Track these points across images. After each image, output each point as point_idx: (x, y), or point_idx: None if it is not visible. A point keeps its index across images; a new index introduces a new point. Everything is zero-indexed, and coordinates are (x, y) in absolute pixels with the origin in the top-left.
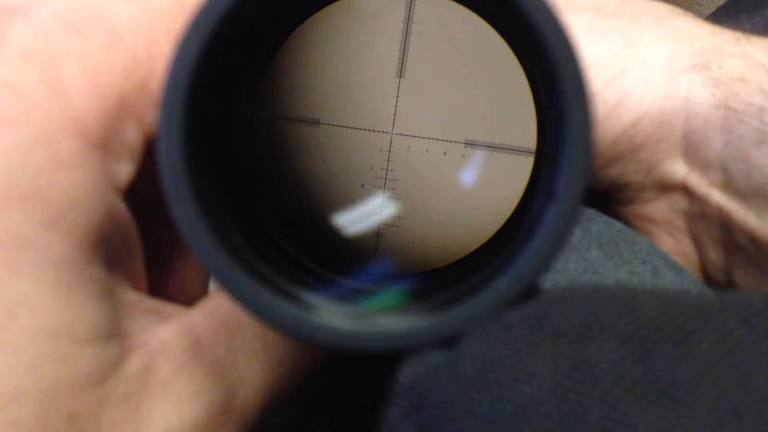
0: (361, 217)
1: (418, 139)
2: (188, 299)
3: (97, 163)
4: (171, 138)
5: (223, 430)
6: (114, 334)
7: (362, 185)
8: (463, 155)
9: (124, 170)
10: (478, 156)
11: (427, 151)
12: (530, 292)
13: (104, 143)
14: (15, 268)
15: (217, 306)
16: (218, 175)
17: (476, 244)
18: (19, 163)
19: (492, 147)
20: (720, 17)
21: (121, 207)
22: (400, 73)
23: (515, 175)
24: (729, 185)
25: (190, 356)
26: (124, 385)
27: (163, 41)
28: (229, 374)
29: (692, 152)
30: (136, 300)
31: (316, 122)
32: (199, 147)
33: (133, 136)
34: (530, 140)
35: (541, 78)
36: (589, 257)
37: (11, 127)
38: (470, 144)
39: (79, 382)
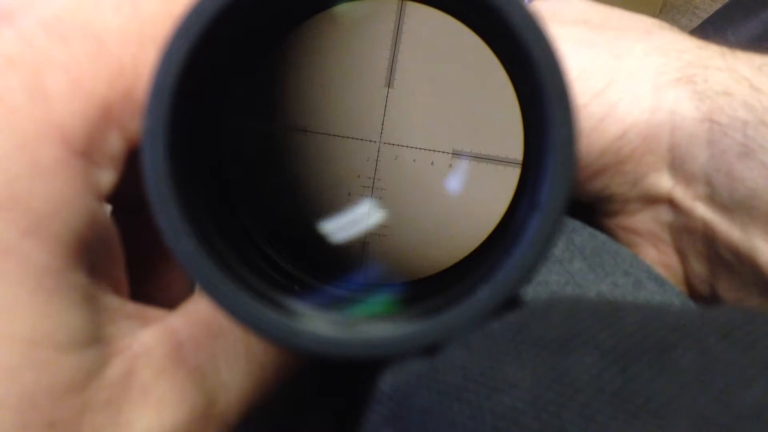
0: (347, 225)
1: (406, 149)
2: (172, 302)
3: (78, 171)
4: (156, 144)
5: None
6: (95, 339)
7: (349, 193)
8: (450, 165)
9: (106, 178)
10: (465, 166)
11: (414, 160)
12: (513, 301)
13: (86, 150)
14: None
15: (198, 309)
16: (203, 181)
17: (462, 253)
18: None
19: (479, 157)
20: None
21: (103, 213)
22: (389, 83)
23: (502, 186)
24: (713, 198)
25: (171, 361)
26: (104, 390)
27: (150, 51)
28: (210, 379)
29: (677, 165)
30: (118, 305)
31: (303, 130)
32: (184, 153)
33: (115, 143)
34: (517, 151)
35: (527, 90)
36: (571, 269)
37: None
38: (457, 154)
39: (59, 388)
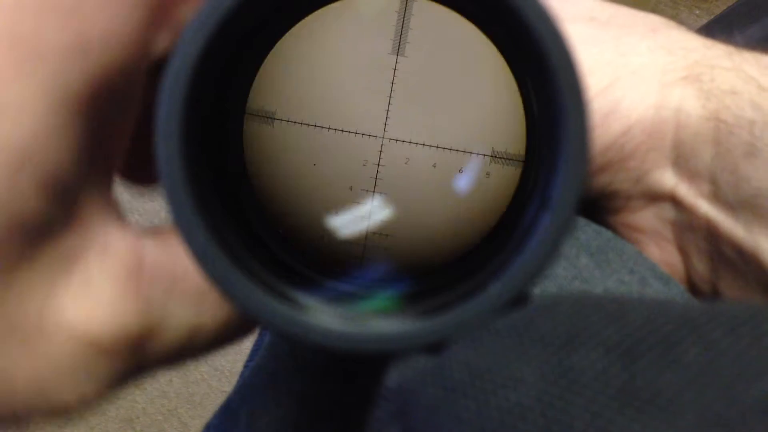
0: (351, 220)
1: (409, 145)
2: None
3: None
4: (170, 137)
5: (120, 359)
6: (71, 199)
7: (351, 188)
8: (452, 161)
9: (162, 42)
10: (468, 162)
11: (417, 156)
12: (522, 299)
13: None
14: (22, 72)
15: (172, 245)
16: (213, 176)
17: (465, 249)
18: None
19: (481, 154)
20: (712, 30)
21: (140, 75)
22: (393, 79)
23: (504, 183)
24: (717, 196)
25: (125, 273)
26: (50, 255)
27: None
28: (154, 313)
29: (681, 162)
30: (107, 187)
31: (307, 125)
32: (195, 148)
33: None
34: (519, 148)
35: (536, 86)
36: (578, 264)
37: None
38: (460, 150)
39: (16, 217)
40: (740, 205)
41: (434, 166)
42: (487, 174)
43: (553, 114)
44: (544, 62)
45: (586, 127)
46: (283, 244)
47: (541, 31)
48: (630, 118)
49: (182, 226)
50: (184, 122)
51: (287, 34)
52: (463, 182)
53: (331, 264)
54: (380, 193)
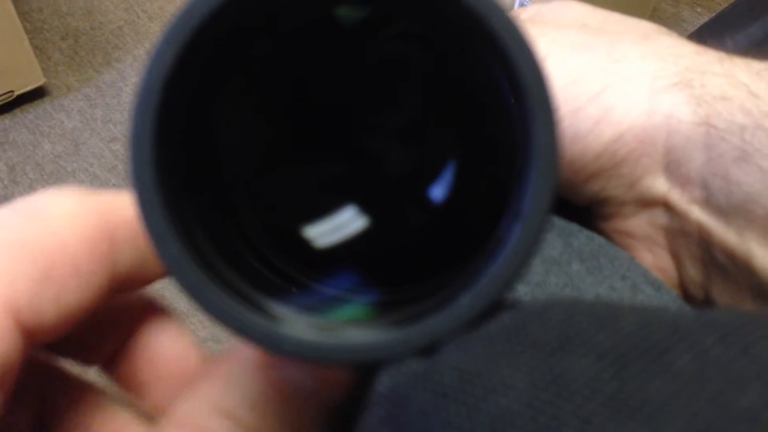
0: (328, 230)
1: (394, 152)
2: None
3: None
4: (141, 149)
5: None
6: None
7: (334, 196)
8: (438, 170)
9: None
10: (453, 172)
11: (402, 164)
12: (498, 306)
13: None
14: None
15: None
16: (190, 182)
17: (446, 260)
18: None
19: (467, 164)
20: (703, 36)
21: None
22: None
23: (488, 193)
24: (709, 202)
25: None
26: None
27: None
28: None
29: (673, 168)
30: None
31: (291, 131)
32: (171, 156)
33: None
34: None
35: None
36: (569, 271)
37: None
38: (447, 160)
39: None
40: (732, 210)
41: (418, 174)
42: (471, 184)
43: (524, 125)
44: (512, 75)
45: (555, 140)
46: (259, 252)
47: (507, 41)
48: (622, 124)
49: (153, 235)
50: (158, 129)
51: (275, 42)
52: (447, 191)
53: (306, 273)
54: (362, 201)
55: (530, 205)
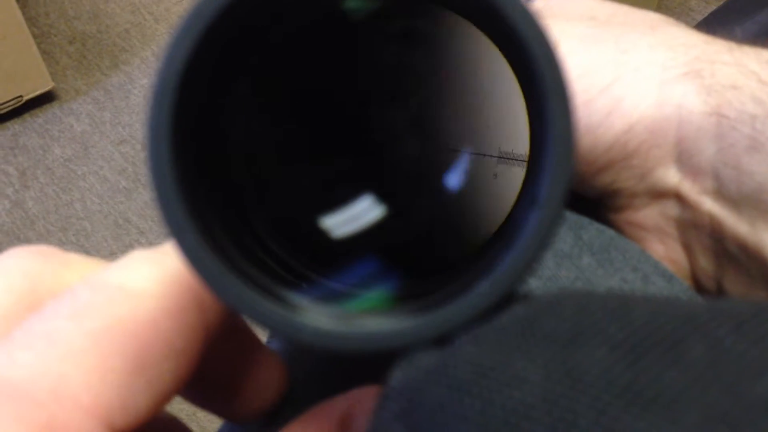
0: (347, 220)
1: (411, 144)
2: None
3: None
4: (159, 138)
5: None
6: None
7: (351, 188)
8: (454, 161)
9: None
10: (470, 162)
11: (418, 156)
12: (512, 297)
13: None
14: None
15: None
16: (206, 176)
17: (466, 250)
18: None
19: (484, 154)
20: (711, 25)
21: None
22: (394, 79)
23: (511, 183)
24: (720, 192)
25: None
26: None
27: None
28: None
29: (685, 159)
30: None
31: (305, 124)
32: (188, 148)
33: None
34: (526, 149)
35: (527, 86)
36: (580, 265)
37: None
38: (463, 151)
39: None
40: (743, 200)
41: (434, 165)
42: (494, 175)
43: (540, 112)
44: (528, 61)
45: (571, 126)
46: (276, 244)
47: (523, 30)
48: (632, 115)
49: (172, 227)
50: (175, 123)
51: (286, 39)
52: (464, 182)
53: (319, 270)
54: (379, 192)
55: (547, 192)
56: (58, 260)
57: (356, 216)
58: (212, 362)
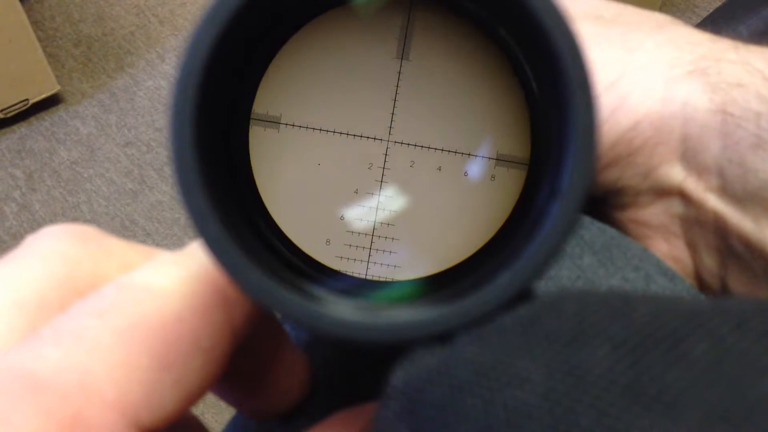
0: (361, 215)
1: (414, 148)
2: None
3: None
4: (183, 132)
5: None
6: None
7: (356, 192)
8: (457, 164)
9: None
10: (474, 163)
11: (422, 159)
12: (528, 292)
13: None
14: None
15: None
16: (226, 170)
17: (473, 248)
18: None
19: (486, 157)
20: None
21: None
22: (398, 82)
23: (508, 185)
24: (725, 190)
25: None
26: None
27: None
28: None
29: (689, 156)
30: None
31: (312, 129)
32: (209, 143)
33: None
34: (524, 151)
35: (543, 80)
36: (581, 264)
37: None
38: (465, 153)
39: None
40: (748, 198)
41: (439, 168)
42: (492, 177)
43: (563, 105)
44: (552, 54)
45: (595, 117)
46: (289, 247)
47: (548, 22)
48: (638, 112)
49: (195, 217)
50: (198, 116)
51: (292, 39)
52: (469, 181)
53: (336, 269)
54: (385, 195)
55: (569, 183)
56: (98, 246)
57: (367, 212)
58: (241, 360)
